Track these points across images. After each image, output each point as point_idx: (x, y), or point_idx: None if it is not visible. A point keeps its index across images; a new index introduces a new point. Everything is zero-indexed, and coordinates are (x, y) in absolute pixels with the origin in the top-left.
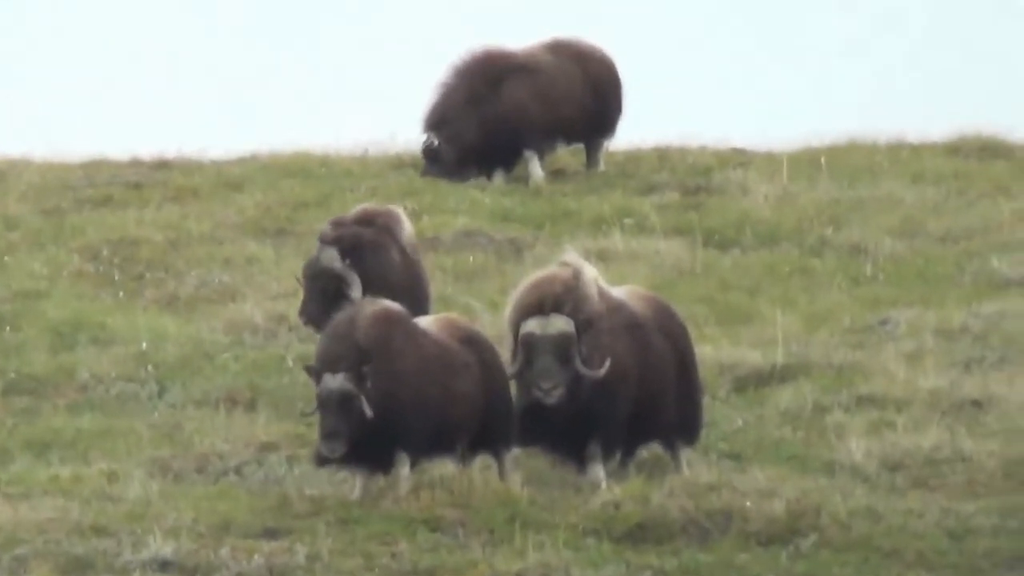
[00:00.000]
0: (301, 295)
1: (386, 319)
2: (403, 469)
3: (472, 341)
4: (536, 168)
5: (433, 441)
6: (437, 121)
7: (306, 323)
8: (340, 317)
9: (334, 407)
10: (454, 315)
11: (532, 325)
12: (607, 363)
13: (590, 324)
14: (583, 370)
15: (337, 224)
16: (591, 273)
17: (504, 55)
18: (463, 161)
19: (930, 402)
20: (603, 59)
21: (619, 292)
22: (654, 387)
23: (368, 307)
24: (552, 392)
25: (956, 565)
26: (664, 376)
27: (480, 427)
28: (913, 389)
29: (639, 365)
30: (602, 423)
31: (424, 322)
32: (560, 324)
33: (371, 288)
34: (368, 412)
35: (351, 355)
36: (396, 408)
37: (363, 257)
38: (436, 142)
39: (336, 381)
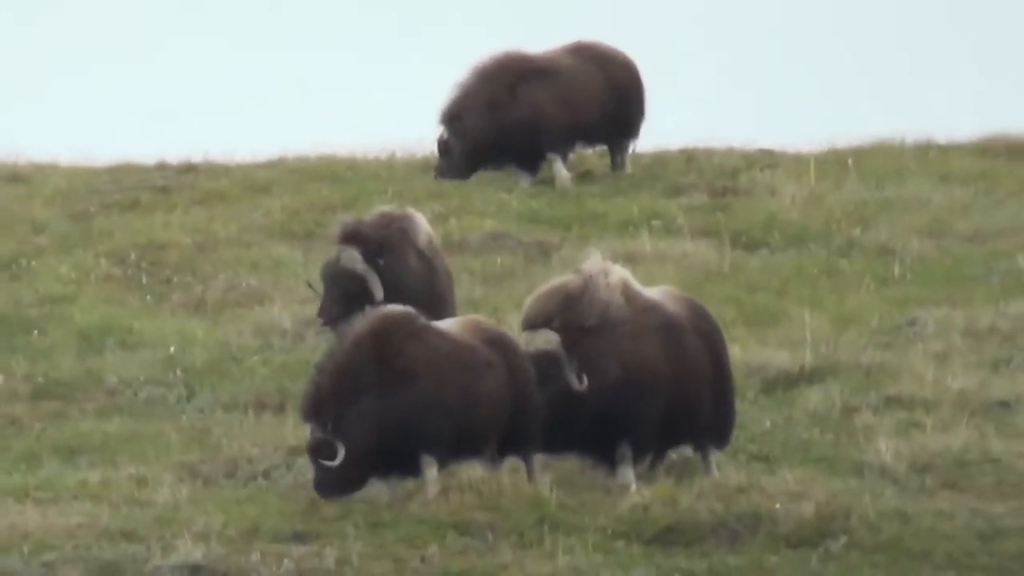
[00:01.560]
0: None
1: (380, 331)
2: (430, 472)
3: (497, 342)
4: (561, 170)
5: (457, 443)
6: (450, 116)
7: (325, 324)
8: (331, 347)
9: (312, 457)
10: (479, 317)
11: (522, 339)
12: (584, 380)
13: (587, 332)
14: (572, 382)
15: (354, 225)
16: (617, 276)
17: (523, 58)
18: (471, 158)
19: (959, 403)
20: (624, 62)
21: (653, 293)
22: (688, 389)
23: (352, 331)
24: None
25: (986, 567)
26: (698, 378)
27: (508, 429)
28: (942, 390)
29: (671, 367)
30: (631, 425)
31: (446, 324)
32: (539, 341)
33: (388, 291)
34: (339, 456)
35: (323, 403)
36: (411, 412)
37: (382, 259)
38: (447, 136)
39: (309, 432)
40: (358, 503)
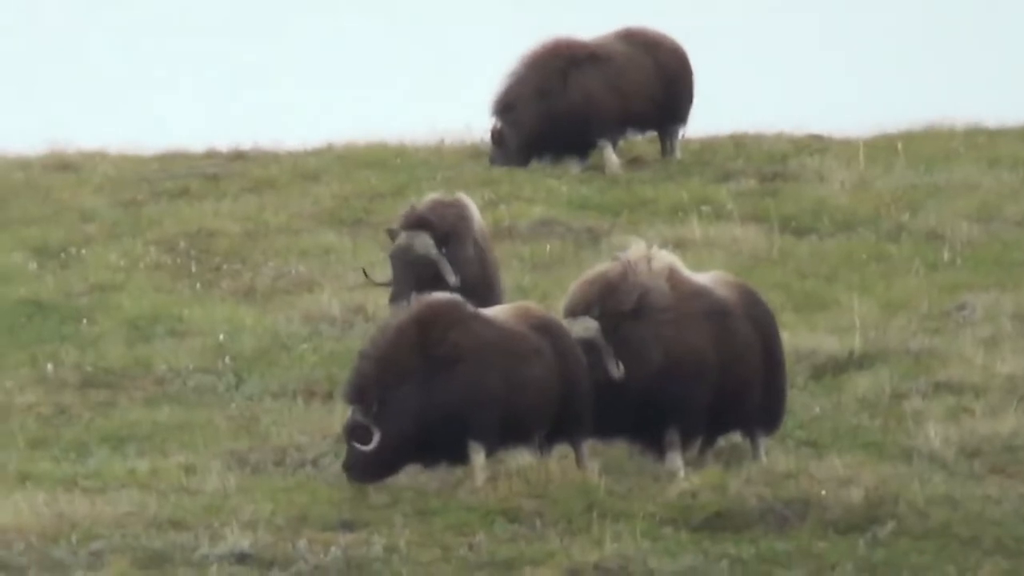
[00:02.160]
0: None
1: (425, 318)
2: (477, 458)
3: (546, 328)
4: (611, 156)
5: (504, 430)
6: (503, 107)
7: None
8: (374, 334)
9: (347, 438)
10: (529, 303)
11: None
12: (621, 368)
13: (627, 318)
14: (611, 371)
15: (423, 212)
16: (661, 262)
17: (574, 44)
18: (525, 147)
19: (1008, 388)
20: (674, 47)
21: (704, 279)
22: (738, 375)
23: (397, 318)
24: None
25: None
26: (749, 364)
27: (557, 415)
28: (991, 375)
29: (719, 353)
30: (678, 411)
31: (494, 311)
32: (577, 329)
33: (435, 280)
34: (375, 441)
35: (366, 388)
36: (454, 399)
37: (449, 245)
38: (500, 126)
39: (350, 413)
40: (406, 490)
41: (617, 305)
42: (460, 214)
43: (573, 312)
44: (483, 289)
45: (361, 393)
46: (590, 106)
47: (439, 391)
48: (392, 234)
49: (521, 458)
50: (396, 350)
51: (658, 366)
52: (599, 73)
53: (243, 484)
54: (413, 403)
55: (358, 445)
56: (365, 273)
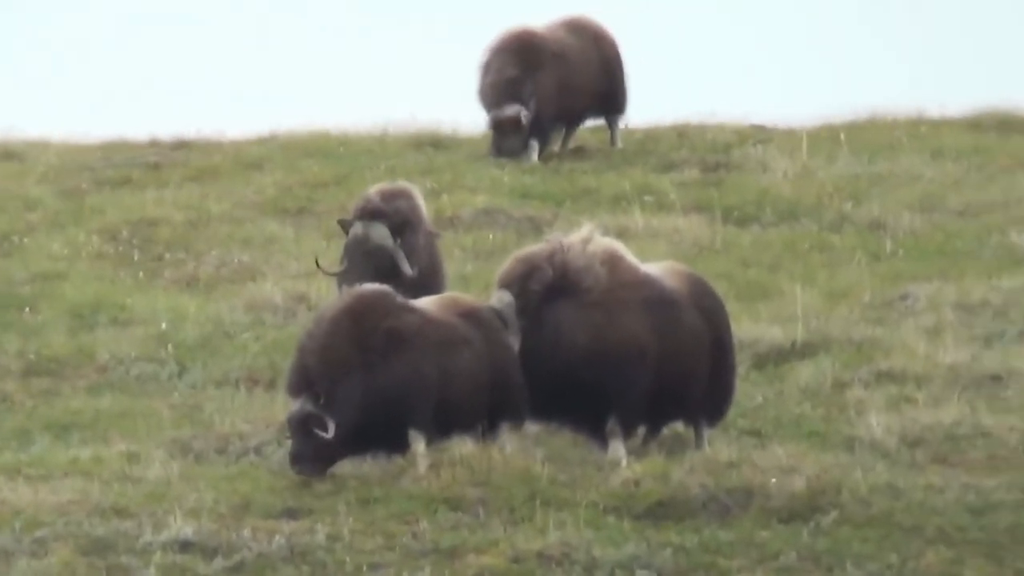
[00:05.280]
0: (343, 270)
1: (357, 310)
2: (418, 446)
3: (474, 317)
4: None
5: (440, 416)
6: (517, 93)
7: None
8: (310, 328)
9: (296, 430)
10: (456, 293)
11: None
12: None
13: (550, 298)
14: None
15: (378, 202)
16: (598, 246)
17: (538, 38)
18: (545, 129)
19: (950, 377)
20: (613, 39)
21: (652, 268)
22: (682, 365)
23: (329, 311)
24: None
25: (977, 541)
26: (695, 355)
27: (490, 402)
28: (933, 364)
29: (663, 341)
30: (614, 397)
31: (422, 301)
32: (493, 300)
33: (391, 270)
34: (329, 433)
35: (311, 380)
36: (393, 388)
37: (404, 235)
38: (524, 112)
39: (296, 404)
40: (349, 479)
41: (534, 283)
42: (412, 204)
43: (498, 285)
44: (431, 279)
45: (308, 383)
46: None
47: (379, 380)
48: (345, 224)
49: (464, 446)
50: (334, 341)
51: (584, 349)
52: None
53: (186, 472)
54: (356, 393)
55: (318, 433)
56: (317, 264)
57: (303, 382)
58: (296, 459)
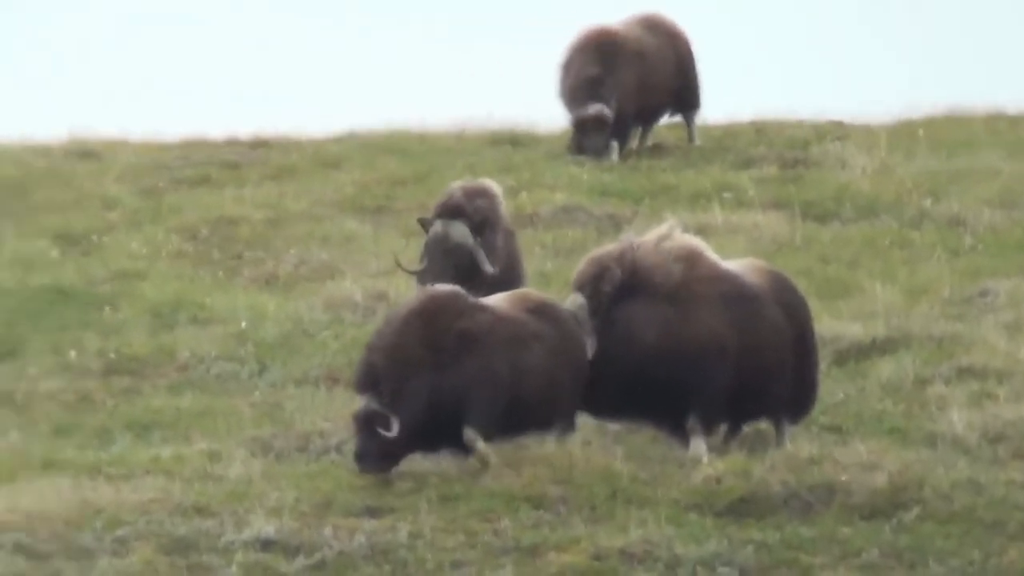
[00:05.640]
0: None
1: (428, 310)
2: (477, 444)
3: (544, 312)
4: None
5: (511, 413)
6: (599, 92)
7: None
8: (380, 327)
9: (360, 428)
10: (528, 289)
11: None
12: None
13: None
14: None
15: (459, 200)
16: (675, 243)
17: (617, 36)
18: (625, 127)
19: None
20: (686, 36)
21: (733, 264)
22: (763, 361)
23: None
24: None
25: None
26: (776, 350)
27: (559, 396)
28: (1014, 360)
29: (744, 338)
30: (695, 395)
31: (494, 299)
32: (567, 303)
33: (472, 267)
34: (394, 431)
35: (378, 377)
36: (462, 388)
37: (484, 233)
38: (607, 111)
39: (362, 402)
40: (430, 476)
41: (605, 284)
42: (492, 202)
43: (572, 287)
44: (510, 277)
45: (374, 382)
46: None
47: (448, 380)
48: (425, 223)
49: (545, 444)
50: (403, 340)
51: (655, 346)
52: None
53: (267, 471)
54: (423, 393)
55: (381, 432)
56: (398, 262)
57: (370, 380)
58: (360, 456)
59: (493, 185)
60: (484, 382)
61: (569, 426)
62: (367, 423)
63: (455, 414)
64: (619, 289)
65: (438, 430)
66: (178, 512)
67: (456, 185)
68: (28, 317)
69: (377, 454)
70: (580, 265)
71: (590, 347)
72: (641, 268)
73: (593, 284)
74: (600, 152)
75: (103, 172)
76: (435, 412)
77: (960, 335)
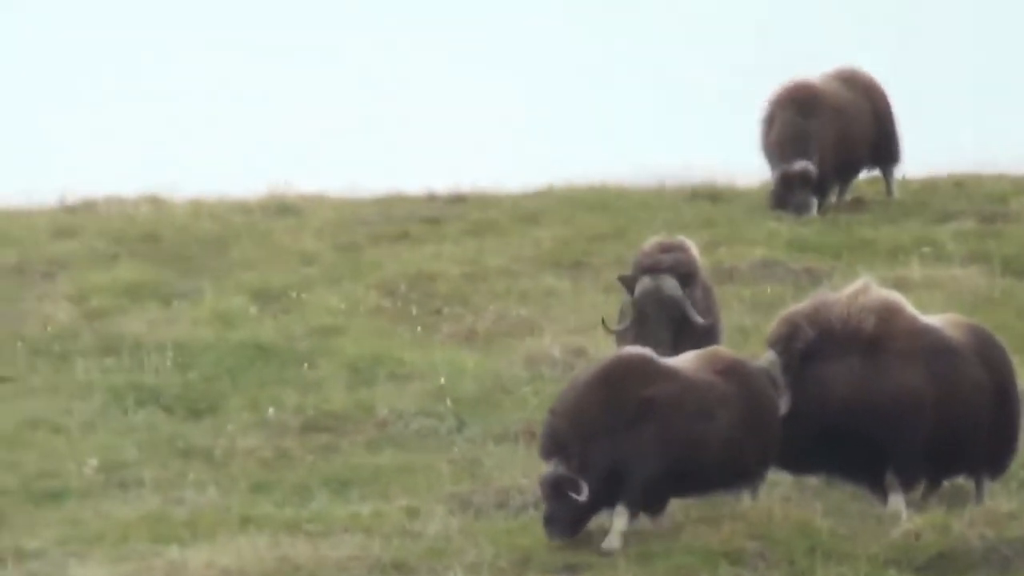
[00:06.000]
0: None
1: (614, 374)
2: (618, 521)
3: (733, 373)
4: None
5: (685, 480)
6: (804, 148)
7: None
8: (564, 390)
9: (548, 493)
10: (720, 348)
11: None
12: (787, 402)
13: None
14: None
15: (672, 255)
16: (871, 298)
17: (818, 91)
18: (825, 182)
19: None
20: (883, 90)
21: (932, 319)
22: (962, 416)
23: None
24: None
25: None
26: (975, 405)
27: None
28: None
29: (940, 392)
30: (893, 450)
31: (683, 359)
32: (763, 362)
33: (683, 321)
34: (583, 495)
35: (564, 441)
36: (640, 455)
37: (688, 287)
38: (811, 167)
39: (549, 467)
40: (629, 533)
41: (797, 342)
42: (690, 257)
43: (767, 345)
44: (709, 331)
45: (559, 447)
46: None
47: (623, 446)
48: (627, 281)
49: (743, 500)
50: (586, 405)
51: (848, 401)
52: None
53: (466, 527)
54: (606, 457)
55: (572, 495)
56: (604, 324)
57: (555, 445)
58: (549, 521)
59: (688, 240)
60: (651, 456)
61: (758, 484)
62: (555, 488)
63: (628, 479)
64: (813, 345)
65: (611, 492)
66: (377, 569)
67: (653, 241)
68: (227, 373)
69: (567, 519)
70: (773, 323)
71: (784, 403)
72: (835, 323)
73: (785, 343)
74: (803, 208)
75: (301, 228)
76: (618, 476)
77: None
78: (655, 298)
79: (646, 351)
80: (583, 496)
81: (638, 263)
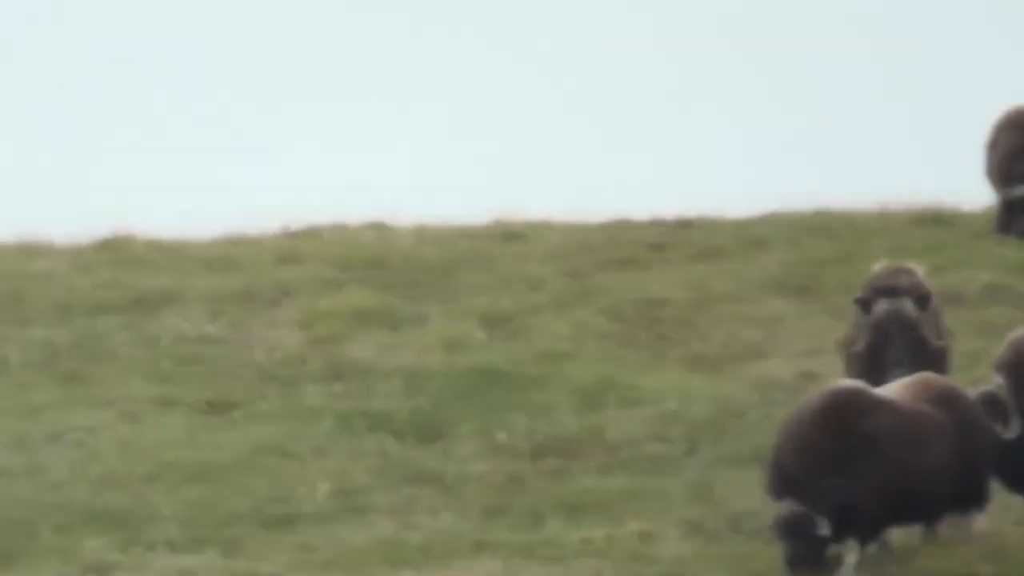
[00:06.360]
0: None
1: (832, 409)
2: (850, 556)
3: (946, 400)
4: None
5: (899, 511)
6: None
7: (896, 370)
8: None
9: (787, 533)
10: (930, 374)
11: None
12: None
13: None
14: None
15: (910, 279)
16: None
17: None
18: None
19: None
20: None
21: None
22: None
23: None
24: None
25: None
26: None
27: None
28: None
29: None
30: None
31: (895, 387)
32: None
33: (920, 343)
34: (824, 530)
35: (787, 477)
36: (860, 490)
37: (925, 308)
38: None
39: (783, 507)
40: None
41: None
42: (922, 281)
43: (994, 369)
44: (940, 354)
45: (787, 485)
46: None
47: (852, 483)
48: (864, 303)
49: (977, 523)
50: (811, 444)
51: None
52: None
53: (700, 552)
54: (834, 494)
55: (815, 531)
56: (838, 344)
57: (783, 484)
58: (794, 562)
59: (915, 265)
60: (873, 492)
61: (973, 512)
62: (795, 528)
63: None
64: None
65: (842, 527)
66: None
67: (883, 265)
68: (456, 398)
69: (810, 557)
70: (1001, 347)
71: (1013, 427)
72: None
73: (1012, 366)
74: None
75: (528, 254)
76: (846, 511)
77: None
78: (894, 320)
79: (858, 383)
80: (824, 531)
81: (873, 286)
